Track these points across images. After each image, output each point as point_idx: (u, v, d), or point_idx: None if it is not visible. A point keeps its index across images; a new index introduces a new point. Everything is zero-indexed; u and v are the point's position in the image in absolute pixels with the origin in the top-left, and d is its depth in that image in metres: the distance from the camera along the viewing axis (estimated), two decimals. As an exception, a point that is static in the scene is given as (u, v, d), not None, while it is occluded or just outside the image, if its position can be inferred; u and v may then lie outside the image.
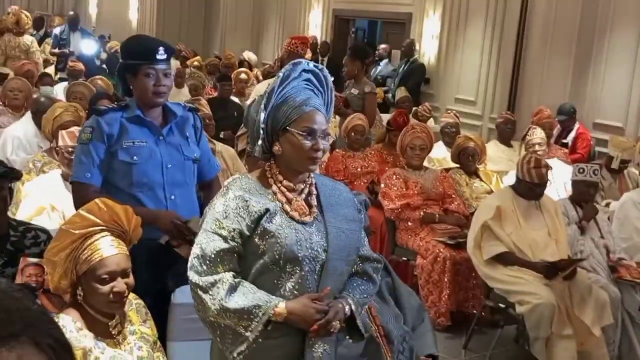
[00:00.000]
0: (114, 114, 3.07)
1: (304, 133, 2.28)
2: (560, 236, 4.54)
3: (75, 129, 4.06)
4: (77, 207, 3.10)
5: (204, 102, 6.03)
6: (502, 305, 4.54)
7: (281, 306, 2.22)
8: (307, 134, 2.28)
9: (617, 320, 4.47)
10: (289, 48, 6.60)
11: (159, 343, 2.64)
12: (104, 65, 10.97)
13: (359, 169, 6.02)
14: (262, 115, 2.29)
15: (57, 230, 2.44)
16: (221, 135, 6.85)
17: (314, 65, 2.37)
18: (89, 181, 3.04)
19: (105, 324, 2.42)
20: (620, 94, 7.52)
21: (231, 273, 2.25)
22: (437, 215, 5.29)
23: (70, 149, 3.85)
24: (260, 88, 7.36)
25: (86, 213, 2.40)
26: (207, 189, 3.37)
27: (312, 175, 2.43)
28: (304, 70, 2.34)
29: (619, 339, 4.52)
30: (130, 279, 2.43)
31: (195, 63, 11.24)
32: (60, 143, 4.00)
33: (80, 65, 8.57)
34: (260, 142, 2.32)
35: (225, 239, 2.24)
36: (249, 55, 12.35)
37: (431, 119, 8.70)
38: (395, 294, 2.93)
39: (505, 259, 4.42)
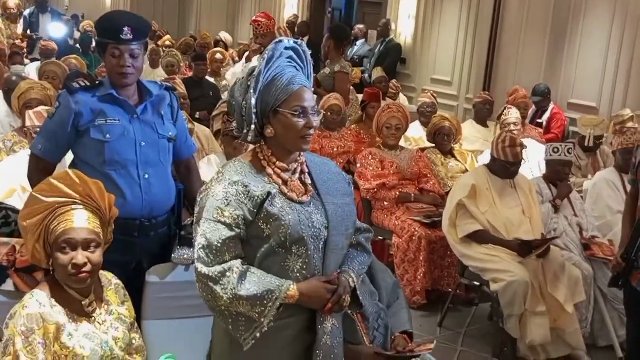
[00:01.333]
0: (86, 92, 3.03)
1: (295, 112, 2.26)
2: (534, 214, 4.58)
3: (42, 109, 4.00)
4: (27, 177, 3.10)
5: (179, 81, 5.98)
6: (476, 283, 4.58)
7: (293, 288, 2.22)
8: (298, 112, 2.26)
9: (590, 297, 4.53)
10: (269, 30, 6.57)
11: (136, 324, 2.62)
12: (77, 45, 10.80)
13: (335, 149, 6.00)
14: (253, 99, 2.26)
15: (29, 195, 2.41)
16: (196, 115, 6.80)
17: (294, 42, 2.35)
18: (39, 153, 3.07)
19: (80, 301, 2.40)
20: (593, 74, 7.57)
21: (239, 260, 2.22)
22: (412, 195, 5.31)
23: (37, 129, 3.79)
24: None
25: (55, 181, 2.38)
26: (184, 168, 3.34)
27: (302, 154, 2.42)
28: (286, 48, 2.31)
29: (591, 316, 4.59)
30: (94, 255, 2.38)
31: (167, 42, 11.07)
32: (28, 123, 3.94)
33: (53, 44, 8.46)
34: (252, 126, 2.29)
35: (229, 226, 2.21)
36: (224, 35, 12.24)
37: (405, 99, 8.72)
38: (371, 271, 2.92)
39: (479, 237, 4.45)
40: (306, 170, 2.41)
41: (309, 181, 2.39)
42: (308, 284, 2.26)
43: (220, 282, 2.17)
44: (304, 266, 2.28)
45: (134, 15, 3.20)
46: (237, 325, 2.22)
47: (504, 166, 4.55)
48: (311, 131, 2.30)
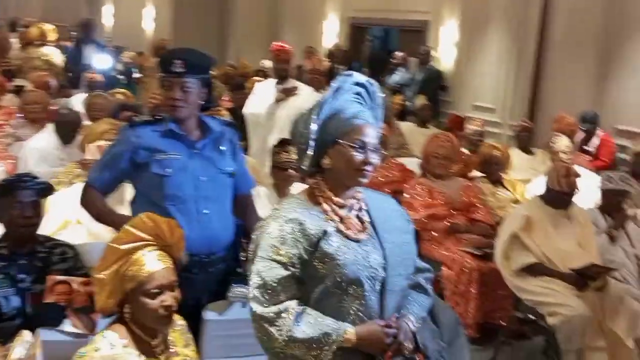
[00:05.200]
0: (147, 127, 3.05)
1: (355, 145, 2.22)
2: (590, 246, 4.47)
3: (103, 143, 4.03)
4: (80, 204, 3.12)
5: (225, 112, 6.00)
6: (531, 317, 4.47)
7: (350, 332, 2.16)
8: (358, 146, 2.22)
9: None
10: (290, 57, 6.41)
11: None
12: (121, 76, 10.90)
13: (380, 179, 5.95)
14: (315, 126, 2.22)
15: (105, 247, 2.39)
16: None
17: (366, 80, 2.32)
18: (90, 182, 3.11)
19: (149, 343, 2.37)
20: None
21: (295, 301, 2.17)
22: (463, 225, 5.21)
23: None
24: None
25: (131, 228, 2.37)
26: (241, 204, 3.32)
27: (360, 190, 2.37)
28: (355, 83, 2.28)
29: (651, 350, 4.44)
30: (177, 293, 2.39)
31: (207, 72, 11.11)
32: (89, 156, 3.97)
33: (99, 77, 8.54)
34: (310, 153, 2.24)
35: (285, 265, 2.15)
36: (267, 63, 12.28)
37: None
38: (432, 308, 2.86)
39: (535, 270, 4.35)
40: (364, 207, 2.35)
41: (366, 218, 2.32)
42: (366, 328, 2.19)
43: (276, 323, 2.12)
44: (361, 308, 2.21)
45: (191, 50, 3.17)
46: None
47: (559, 196, 4.46)
48: (368, 167, 2.25)
